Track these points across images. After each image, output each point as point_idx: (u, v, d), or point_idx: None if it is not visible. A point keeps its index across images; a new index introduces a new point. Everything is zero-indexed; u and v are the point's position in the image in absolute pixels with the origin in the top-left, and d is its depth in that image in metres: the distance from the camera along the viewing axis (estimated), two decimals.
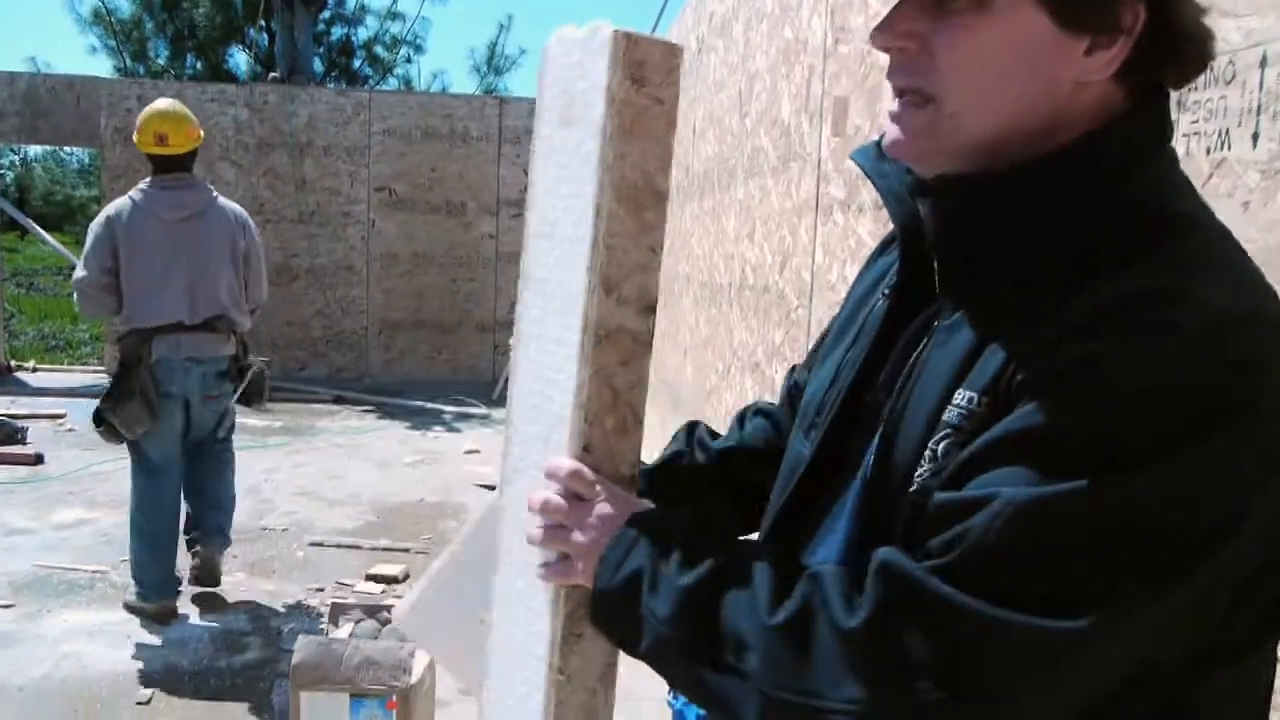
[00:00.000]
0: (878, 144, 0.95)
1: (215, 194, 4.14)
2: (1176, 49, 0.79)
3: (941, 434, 0.80)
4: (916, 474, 0.81)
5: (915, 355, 0.87)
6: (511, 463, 1.07)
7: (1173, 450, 0.68)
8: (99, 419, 3.85)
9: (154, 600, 3.97)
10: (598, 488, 0.94)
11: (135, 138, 4.11)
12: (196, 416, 4.00)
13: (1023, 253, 0.81)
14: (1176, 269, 0.73)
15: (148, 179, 4.04)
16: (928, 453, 0.80)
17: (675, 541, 0.86)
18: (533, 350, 1.05)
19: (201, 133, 4.24)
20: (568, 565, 0.93)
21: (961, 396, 0.79)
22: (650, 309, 0.98)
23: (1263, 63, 1.18)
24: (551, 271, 1.03)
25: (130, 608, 4.02)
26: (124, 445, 3.98)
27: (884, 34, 0.82)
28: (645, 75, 0.94)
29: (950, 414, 0.79)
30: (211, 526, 4.18)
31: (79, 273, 4.00)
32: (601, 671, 0.98)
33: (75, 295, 4.10)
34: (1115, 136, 0.79)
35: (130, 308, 3.90)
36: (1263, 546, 0.72)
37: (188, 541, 4.22)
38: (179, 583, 4.07)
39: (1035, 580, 0.69)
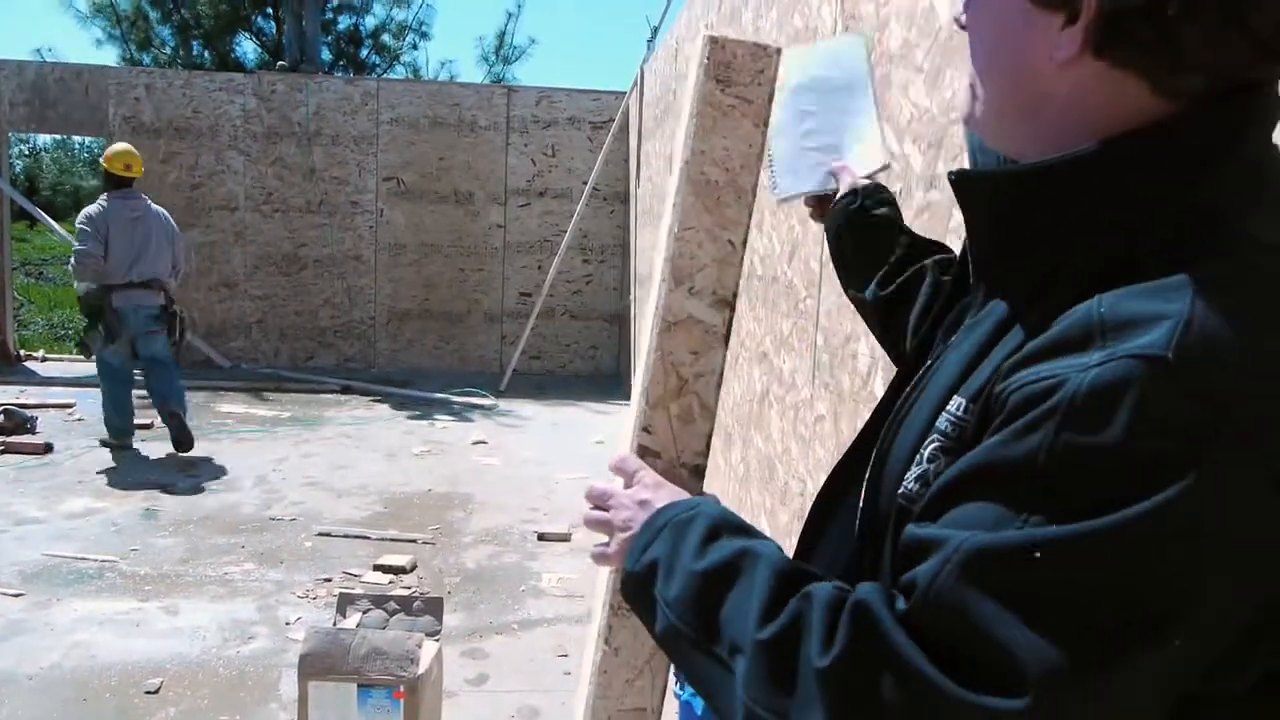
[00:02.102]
0: None
1: (149, 201, 6.39)
2: (1158, 32, 0.70)
3: (931, 439, 0.79)
4: (907, 475, 0.81)
5: (943, 351, 0.87)
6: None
7: (1124, 506, 0.61)
8: (80, 342, 6.45)
9: (116, 439, 6.47)
10: (639, 474, 0.99)
11: (106, 163, 6.34)
12: (142, 344, 6.27)
13: (1033, 255, 0.78)
14: (1180, 290, 0.65)
15: (106, 194, 6.23)
16: (918, 456, 0.80)
17: (695, 530, 0.88)
18: (640, 338, 1.10)
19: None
20: (607, 549, 0.99)
21: (954, 403, 0.78)
22: (725, 302, 1.00)
23: None
24: (654, 262, 1.07)
25: (104, 442, 6.52)
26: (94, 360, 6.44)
27: (958, 14, 0.86)
28: (731, 76, 0.99)
29: (941, 420, 0.78)
30: (172, 407, 6.39)
31: (82, 248, 6.08)
32: (651, 653, 1.01)
33: (76, 264, 6.16)
34: (1148, 137, 0.73)
35: (104, 272, 6.11)
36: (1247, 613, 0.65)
37: (163, 417, 6.46)
38: (132, 433, 6.57)
39: (976, 644, 0.65)
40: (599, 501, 1.00)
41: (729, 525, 0.89)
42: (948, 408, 0.78)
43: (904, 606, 0.70)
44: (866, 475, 0.89)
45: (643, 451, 1.01)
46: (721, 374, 1.01)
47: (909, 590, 0.70)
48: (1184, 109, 0.73)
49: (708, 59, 0.99)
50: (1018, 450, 0.66)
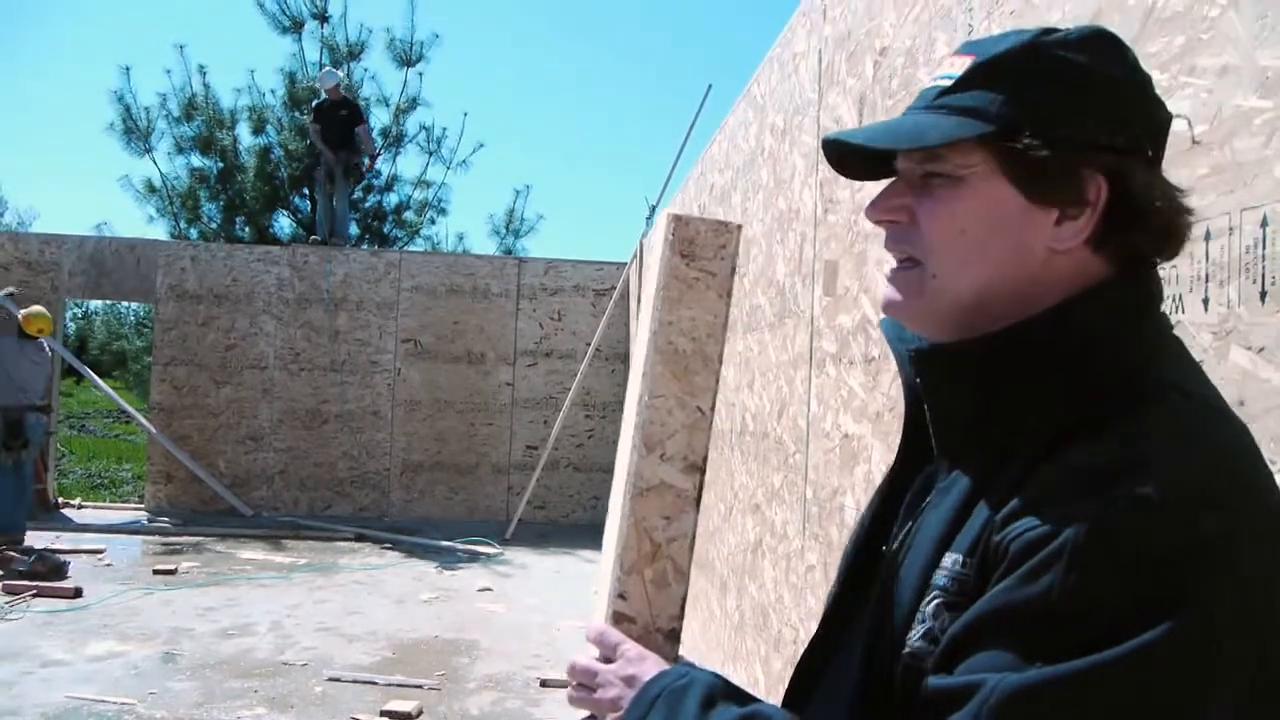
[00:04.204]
0: None
1: (45, 346, 7.64)
2: (1141, 222, 0.77)
3: (931, 596, 0.77)
4: (909, 635, 0.78)
5: (917, 514, 0.85)
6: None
7: (1138, 634, 0.62)
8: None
9: (16, 535, 7.06)
10: (621, 648, 0.93)
11: (25, 323, 7.34)
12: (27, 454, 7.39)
13: (1002, 417, 0.79)
14: (1146, 438, 0.68)
15: (15, 337, 7.30)
16: (919, 614, 0.77)
17: (692, 698, 0.84)
18: (613, 504, 1.03)
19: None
20: None
21: (949, 559, 0.76)
22: (696, 467, 0.96)
23: (1206, 236, 1.23)
24: (625, 427, 1.03)
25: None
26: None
27: (876, 209, 0.85)
28: (695, 251, 0.97)
29: (938, 577, 0.76)
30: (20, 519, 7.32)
31: None
32: None
33: None
34: (1091, 304, 0.77)
35: (13, 396, 7.17)
36: None
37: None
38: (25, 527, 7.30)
39: None
40: (584, 679, 0.94)
41: (724, 691, 0.85)
42: (943, 564, 0.76)
43: None
44: (865, 635, 0.85)
45: (618, 618, 0.95)
46: (694, 537, 0.96)
47: None
48: (1116, 273, 0.79)
49: (673, 235, 0.97)
50: (1028, 593, 0.66)
